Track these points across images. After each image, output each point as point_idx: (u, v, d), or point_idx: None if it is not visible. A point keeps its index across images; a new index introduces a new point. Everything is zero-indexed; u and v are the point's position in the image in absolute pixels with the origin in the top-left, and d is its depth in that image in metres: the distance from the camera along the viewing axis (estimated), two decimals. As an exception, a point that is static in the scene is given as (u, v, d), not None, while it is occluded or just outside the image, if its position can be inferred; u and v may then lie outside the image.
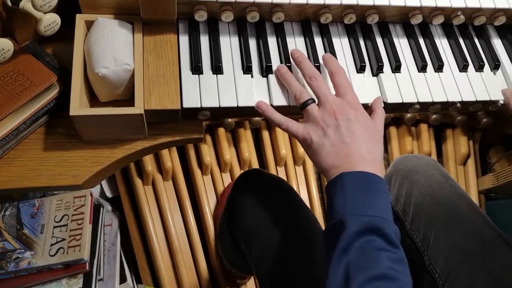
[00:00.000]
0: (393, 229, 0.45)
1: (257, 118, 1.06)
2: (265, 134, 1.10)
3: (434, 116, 1.13)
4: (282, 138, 1.08)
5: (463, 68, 0.68)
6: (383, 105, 0.60)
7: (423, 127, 1.17)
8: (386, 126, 1.16)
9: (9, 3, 0.53)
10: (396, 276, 0.42)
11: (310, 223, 0.64)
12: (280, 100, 0.60)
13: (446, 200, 0.67)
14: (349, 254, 0.43)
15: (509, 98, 0.65)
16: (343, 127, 0.51)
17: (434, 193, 0.67)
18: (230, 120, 1.03)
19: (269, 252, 0.59)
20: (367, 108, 0.59)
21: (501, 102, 0.68)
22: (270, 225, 0.61)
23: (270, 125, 1.11)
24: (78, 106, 0.52)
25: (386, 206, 0.47)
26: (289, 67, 0.62)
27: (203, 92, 0.58)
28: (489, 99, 0.67)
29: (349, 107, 0.53)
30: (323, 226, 0.72)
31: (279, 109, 0.61)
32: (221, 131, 1.06)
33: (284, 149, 1.07)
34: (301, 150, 1.07)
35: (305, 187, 1.09)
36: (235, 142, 1.08)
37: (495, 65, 0.70)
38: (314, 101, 0.56)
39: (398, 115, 1.14)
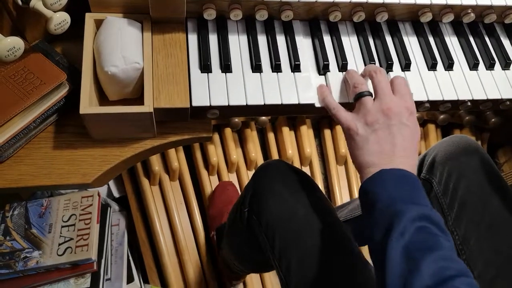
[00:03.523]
0: (440, 218, 0.45)
1: (263, 118, 1.05)
2: (272, 134, 1.10)
3: (442, 116, 1.12)
4: (289, 138, 1.08)
5: (473, 66, 0.68)
6: None
7: (431, 127, 1.16)
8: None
9: (20, 2, 0.53)
10: (458, 259, 0.42)
11: (334, 215, 0.64)
12: (288, 98, 0.59)
13: (494, 202, 0.65)
14: (406, 237, 0.42)
15: None
16: (395, 128, 0.50)
17: (483, 193, 0.65)
18: (237, 120, 1.03)
19: (295, 245, 0.59)
20: None
21: (512, 100, 0.67)
22: (295, 217, 0.60)
23: (277, 125, 1.10)
24: (88, 104, 0.52)
25: (426, 197, 0.47)
26: (298, 65, 0.62)
27: (212, 90, 0.58)
28: (500, 97, 0.66)
29: (405, 108, 0.52)
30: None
31: (288, 107, 0.60)
32: (228, 131, 1.06)
33: (291, 149, 1.06)
34: (307, 150, 1.07)
35: (312, 188, 1.08)
36: (242, 143, 1.08)
37: (506, 63, 0.69)
38: (371, 95, 0.55)
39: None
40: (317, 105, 0.60)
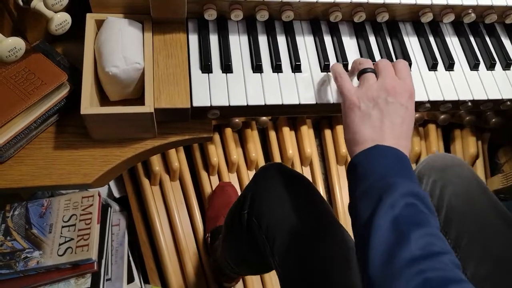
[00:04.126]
0: (429, 199, 0.46)
1: (264, 118, 1.05)
2: (272, 135, 1.10)
3: (442, 117, 1.12)
4: (289, 138, 1.08)
5: (474, 66, 0.68)
6: None
7: (431, 127, 1.16)
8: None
9: (21, 3, 0.54)
10: (443, 237, 0.42)
11: (333, 218, 0.64)
12: (290, 98, 0.59)
13: (481, 205, 0.66)
14: (396, 210, 0.42)
15: None
16: (395, 106, 0.50)
17: (469, 197, 0.67)
18: (237, 120, 1.03)
19: (295, 247, 0.59)
20: None
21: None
22: (295, 219, 0.60)
23: (277, 125, 1.10)
24: (89, 105, 0.52)
25: (417, 180, 0.48)
26: (298, 65, 0.62)
27: (212, 91, 0.58)
28: (500, 97, 0.66)
29: (406, 91, 0.52)
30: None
31: (287, 107, 0.60)
32: (228, 131, 1.06)
33: (291, 150, 1.06)
34: (308, 150, 1.07)
35: (313, 188, 1.08)
36: (242, 143, 1.08)
37: (507, 63, 0.69)
38: (374, 73, 0.54)
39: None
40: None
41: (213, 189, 1.03)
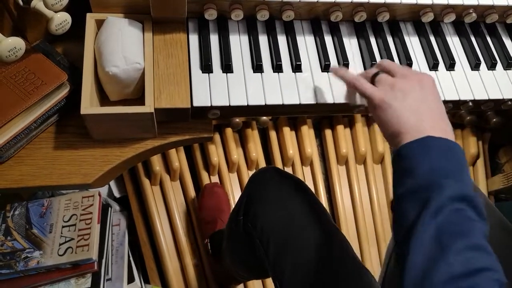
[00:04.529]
0: (481, 201, 0.43)
1: (264, 118, 1.05)
2: (273, 134, 1.10)
3: (443, 116, 1.12)
4: (290, 138, 1.08)
5: (475, 66, 0.68)
6: None
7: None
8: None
9: (21, 2, 0.53)
10: (490, 250, 0.40)
11: (330, 223, 0.63)
12: (290, 98, 0.59)
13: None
14: (440, 217, 0.39)
15: None
16: (424, 91, 0.48)
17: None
18: (237, 120, 1.03)
19: (289, 250, 0.58)
20: None
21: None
22: (289, 222, 0.60)
23: (277, 125, 1.10)
24: (89, 104, 0.52)
25: (469, 176, 0.45)
26: (299, 65, 0.62)
27: (213, 91, 0.58)
28: (501, 97, 0.66)
29: (428, 79, 0.50)
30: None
31: (288, 107, 0.60)
32: (229, 131, 1.05)
33: (292, 149, 1.06)
34: (308, 150, 1.07)
35: (313, 188, 1.08)
36: (243, 142, 1.08)
37: (508, 63, 0.69)
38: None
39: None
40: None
41: (200, 192, 1.01)
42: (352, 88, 0.54)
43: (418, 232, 0.40)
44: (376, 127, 1.10)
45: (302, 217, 0.60)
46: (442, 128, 0.47)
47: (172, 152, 1.01)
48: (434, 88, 0.51)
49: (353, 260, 0.59)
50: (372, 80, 0.53)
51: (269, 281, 1.00)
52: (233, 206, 1.01)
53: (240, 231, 0.66)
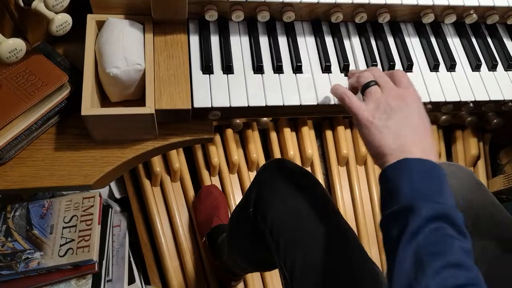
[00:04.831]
0: (462, 219, 0.44)
1: (265, 119, 1.05)
2: (273, 135, 1.10)
3: (443, 117, 1.11)
4: (290, 139, 1.08)
5: (476, 67, 0.68)
6: None
7: (433, 128, 1.16)
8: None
9: (21, 4, 0.53)
10: (470, 265, 0.41)
11: (339, 216, 0.64)
12: (291, 99, 0.59)
13: (482, 204, 0.67)
14: (419, 238, 0.41)
15: None
16: (410, 110, 0.50)
17: (473, 197, 0.67)
18: (238, 121, 1.03)
19: (300, 244, 0.59)
20: None
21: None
22: (300, 215, 0.60)
23: (278, 126, 1.10)
24: (90, 106, 0.52)
25: (451, 195, 0.46)
26: (299, 66, 0.62)
27: (213, 92, 0.58)
28: (502, 98, 0.66)
29: (413, 94, 0.52)
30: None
31: (290, 108, 0.60)
32: (229, 132, 1.05)
33: (292, 150, 1.06)
34: (309, 151, 1.07)
35: (314, 188, 1.08)
36: (243, 143, 1.08)
37: (509, 64, 0.69)
38: (377, 84, 0.54)
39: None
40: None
41: (197, 194, 1.01)
42: (341, 102, 0.55)
43: (399, 253, 0.41)
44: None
45: (312, 211, 0.60)
46: (425, 147, 0.48)
47: (173, 153, 1.01)
48: (420, 104, 0.52)
49: (362, 254, 0.60)
50: (363, 90, 0.54)
51: (269, 279, 1.00)
52: (231, 204, 1.02)
53: (249, 223, 0.66)
